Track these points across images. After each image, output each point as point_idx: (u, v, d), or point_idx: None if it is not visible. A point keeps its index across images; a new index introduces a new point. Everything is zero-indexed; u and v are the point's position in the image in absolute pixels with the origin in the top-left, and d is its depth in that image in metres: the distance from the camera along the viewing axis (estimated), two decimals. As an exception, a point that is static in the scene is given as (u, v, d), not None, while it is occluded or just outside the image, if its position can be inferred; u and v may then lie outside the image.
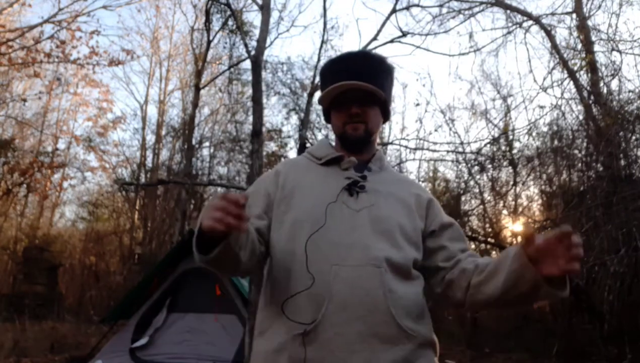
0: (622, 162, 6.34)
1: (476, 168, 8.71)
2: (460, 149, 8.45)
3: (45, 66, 12.06)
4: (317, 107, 8.13)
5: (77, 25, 10.75)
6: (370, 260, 1.08)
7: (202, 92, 11.86)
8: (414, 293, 1.13)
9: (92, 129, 15.88)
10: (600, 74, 7.39)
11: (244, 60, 9.86)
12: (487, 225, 8.88)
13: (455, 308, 1.12)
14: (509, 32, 9.13)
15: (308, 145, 6.39)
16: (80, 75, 15.01)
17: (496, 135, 8.44)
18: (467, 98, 20.86)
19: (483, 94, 17.29)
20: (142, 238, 12.99)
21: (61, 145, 15.77)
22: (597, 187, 6.22)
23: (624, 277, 5.42)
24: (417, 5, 7.48)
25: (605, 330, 5.78)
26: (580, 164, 7.40)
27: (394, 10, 6.58)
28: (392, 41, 6.61)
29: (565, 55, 7.97)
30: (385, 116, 1.32)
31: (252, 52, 5.23)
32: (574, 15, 8.31)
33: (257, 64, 5.06)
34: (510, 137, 8.08)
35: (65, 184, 15.71)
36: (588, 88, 7.56)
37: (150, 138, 15.18)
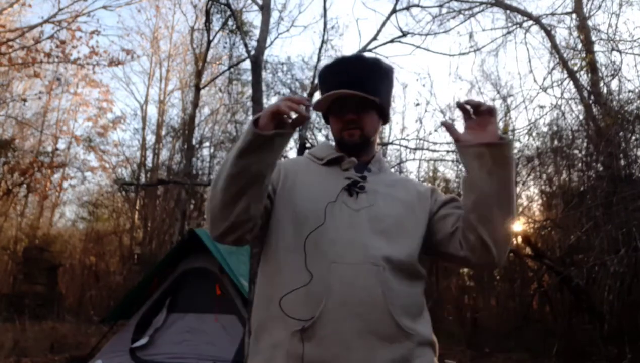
0: (622, 162, 6.34)
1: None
2: (460, 149, 8.41)
3: (45, 66, 12.07)
4: (317, 107, 8.08)
5: (77, 25, 10.75)
6: (369, 258, 1.08)
7: (202, 92, 11.86)
8: (413, 293, 1.13)
9: (92, 129, 15.91)
10: (600, 74, 7.39)
11: (244, 60, 9.87)
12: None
13: (488, 256, 1.10)
14: (509, 32, 9.14)
15: (308, 145, 6.39)
16: (80, 75, 15.03)
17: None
18: (467, 98, 20.87)
19: (483, 94, 17.26)
20: (142, 238, 12.99)
21: (61, 145, 15.80)
22: (597, 187, 6.22)
23: (624, 277, 5.42)
24: (417, 5, 7.49)
25: (605, 330, 5.78)
26: (580, 164, 7.40)
27: (394, 10, 6.59)
28: (392, 41, 6.62)
29: (565, 55, 7.97)
30: (384, 118, 1.32)
31: (252, 52, 5.23)
32: (574, 15, 8.31)
33: (257, 64, 5.06)
34: (510, 137, 8.06)
35: (65, 184, 15.74)
36: (588, 88, 7.56)
37: (150, 138, 15.20)
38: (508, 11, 8.93)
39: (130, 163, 14.69)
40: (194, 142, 11.81)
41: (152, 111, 24.79)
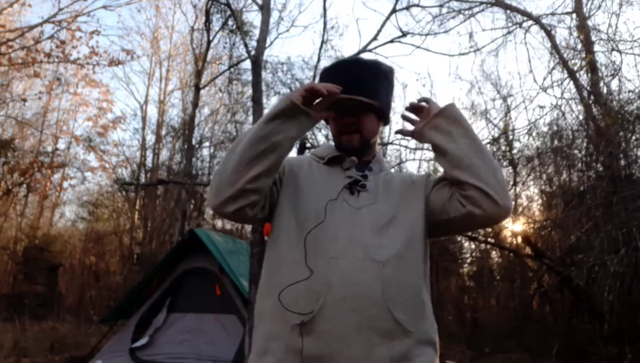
0: (622, 162, 6.34)
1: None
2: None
3: (45, 66, 12.05)
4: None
5: (77, 25, 10.72)
6: (368, 254, 1.09)
7: (202, 92, 11.85)
8: (414, 290, 1.13)
9: (92, 129, 15.89)
10: (600, 74, 7.39)
11: (244, 60, 9.85)
12: (487, 225, 8.86)
13: (490, 202, 1.11)
14: (509, 32, 9.13)
15: (308, 145, 6.39)
16: (80, 75, 15.02)
17: (496, 135, 8.43)
18: (467, 98, 20.87)
19: (483, 94, 17.34)
20: (142, 238, 12.99)
21: (61, 145, 15.79)
22: (597, 187, 6.22)
23: (624, 277, 5.42)
24: (417, 5, 7.47)
25: (605, 330, 5.78)
26: (580, 164, 7.41)
27: (394, 10, 6.58)
28: (392, 41, 6.60)
29: (565, 55, 7.96)
30: (384, 120, 1.33)
31: (252, 52, 5.23)
32: (574, 15, 8.31)
33: (257, 64, 5.06)
34: (510, 137, 8.08)
35: (65, 184, 15.73)
36: (588, 88, 7.56)
37: (150, 138, 15.20)
38: (508, 11, 8.92)
39: (130, 163, 14.71)
40: (194, 142, 11.81)
41: (152, 111, 24.87)
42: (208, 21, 8.28)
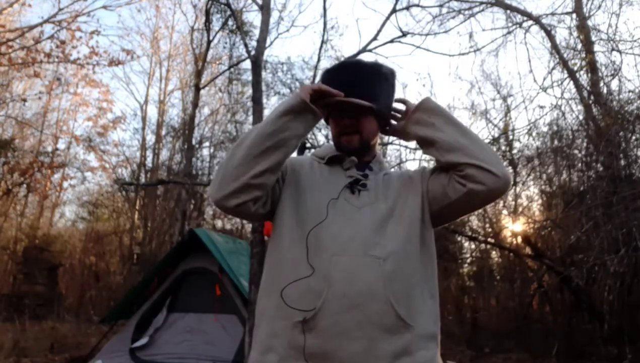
0: (622, 162, 6.34)
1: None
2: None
3: (45, 66, 12.06)
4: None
5: (77, 25, 10.73)
6: (369, 251, 1.10)
7: (202, 92, 11.85)
8: (415, 285, 1.13)
9: (92, 129, 15.89)
10: (600, 74, 7.39)
11: (244, 60, 9.85)
12: (487, 225, 8.87)
13: (490, 175, 1.13)
14: (509, 32, 9.12)
15: (308, 145, 6.39)
16: (80, 75, 15.02)
17: (496, 135, 8.42)
18: (467, 98, 20.89)
19: (483, 94, 17.32)
20: (142, 238, 12.99)
21: (61, 145, 15.79)
22: (597, 187, 6.22)
23: (624, 277, 5.42)
24: (417, 5, 7.46)
25: (605, 330, 5.78)
26: (580, 164, 7.40)
27: (394, 10, 6.57)
28: (392, 41, 6.60)
29: (565, 55, 7.96)
30: (385, 122, 1.33)
31: (252, 52, 5.23)
32: (574, 15, 8.30)
33: (257, 64, 5.06)
34: (510, 137, 8.06)
35: (65, 184, 15.73)
36: (588, 88, 7.55)
37: (150, 138, 15.19)
38: (508, 11, 8.92)
39: (130, 163, 14.70)
40: (194, 142, 11.81)
41: (152, 111, 24.86)
42: (208, 21, 8.28)
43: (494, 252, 9.76)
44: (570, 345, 6.40)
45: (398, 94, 1.36)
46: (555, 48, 8.11)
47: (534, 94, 13.10)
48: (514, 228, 7.92)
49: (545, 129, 8.15)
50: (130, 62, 15.50)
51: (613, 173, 6.08)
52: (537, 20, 8.46)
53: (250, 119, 6.55)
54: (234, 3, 8.47)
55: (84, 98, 16.23)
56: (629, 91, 6.81)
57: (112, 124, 16.01)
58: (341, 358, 1.04)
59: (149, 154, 15.12)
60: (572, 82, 7.72)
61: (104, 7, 10.92)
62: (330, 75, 1.29)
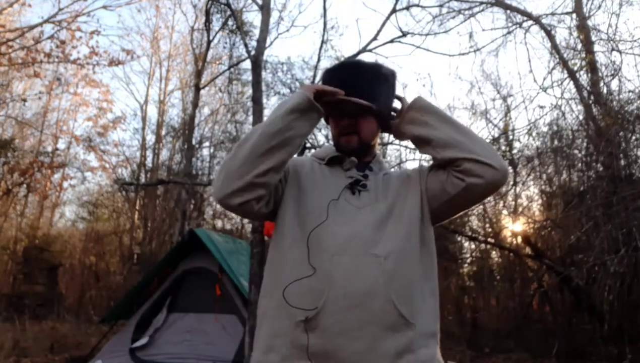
0: (622, 162, 6.34)
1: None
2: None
3: (45, 66, 12.05)
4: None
5: (77, 25, 10.73)
6: (369, 250, 1.10)
7: (202, 92, 11.85)
8: (415, 283, 1.13)
9: (92, 129, 15.89)
10: (600, 74, 7.39)
11: (244, 60, 9.85)
12: (487, 225, 8.87)
13: (487, 168, 1.14)
14: (509, 32, 9.11)
15: (308, 145, 6.39)
16: (80, 75, 15.02)
17: (496, 135, 8.42)
18: (467, 98, 20.90)
19: (483, 94, 17.35)
20: (142, 238, 12.98)
21: (61, 145, 15.79)
22: (597, 187, 6.21)
23: (624, 277, 5.42)
24: (417, 5, 7.46)
25: (605, 330, 5.78)
26: (580, 164, 7.40)
27: (394, 10, 6.57)
28: (392, 41, 6.59)
29: (565, 55, 7.96)
30: (385, 122, 1.33)
31: (252, 52, 5.23)
32: (574, 15, 8.30)
33: (257, 64, 5.06)
34: (510, 137, 8.06)
35: (65, 184, 15.72)
36: (588, 88, 7.55)
37: (150, 138, 15.19)
38: (508, 11, 8.91)
39: (130, 163, 14.70)
40: (194, 142, 11.81)
41: (152, 111, 24.87)
42: (208, 21, 8.27)
43: (494, 252, 9.76)
44: (570, 345, 6.40)
45: (398, 93, 1.36)
46: (555, 48, 8.11)
47: (534, 94, 13.12)
48: (514, 228, 7.92)
49: (545, 129, 8.16)
50: (130, 62, 15.53)
51: (613, 173, 6.08)
52: (537, 20, 8.46)
53: (250, 119, 6.55)
54: (234, 3, 8.48)
55: (84, 98, 16.25)
56: (629, 91, 6.83)
57: (112, 124, 16.03)
58: (343, 357, 1.04)
59: (149, 154, 15.14)
60: (572, 82, 7.72)
61: (104, 7, 10.93)
62: (331, 75, 1.29)
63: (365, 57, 5.90)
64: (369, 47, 6.43)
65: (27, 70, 11.51)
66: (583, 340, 6.53)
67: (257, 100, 4.93)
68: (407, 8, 7.21)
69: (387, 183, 1.25)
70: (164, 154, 14.79)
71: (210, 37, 9.18)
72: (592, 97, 7.38)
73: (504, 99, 9.62)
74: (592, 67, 7.38)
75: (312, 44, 34.71)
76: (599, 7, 7.91)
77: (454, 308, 9.87)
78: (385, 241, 1.12)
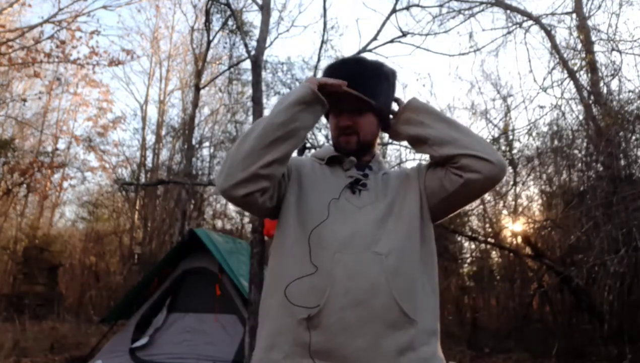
0: (622, 162, 6.34)
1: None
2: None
3: (45, 66, 12.06)
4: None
5: (77, 25, 10.74)
6: (370, 247, 1.11)
7: (202, 92, 11.85)
8: (416, 280, 1.14)
9: (92, 129, 15.88)
10: (600, 74, 7.39)
11: (244, 60, 9.85)
12: (487, 225, 8.87)
13: (485, 163, 1.14)
14: (509, 32, 9.12)
15: (308, 145, 6.39)
16: (80, 75, 15.02)
17: (496, 135, 8.42)
18: (467, 98, 20.90)
19: (483, 94, 17.35)
20: (142, 238, 12.98)
21: (61, 145, 15.78)
22: (597, 187, 6.22)
23: (624, 277, 5.42)
24: (417, 5, 7.45)
25: (605, 330, 5.78)
26: (580, 164, 7.40)
27: (394, 10, 6.57)
28: (392, 41, 6.59)
29: (565, 55, 7.96)
30: (384, 122, 1.33)
31: (252, 52, 5.22)
32: (574, 15, 8.30)
33: (257, 64, 5.06)
34: (510, 137, 8.06)
35: (65, 184, 15.71)
36: (588, 88, 7.55)
37: (150, 138, 15.18)
38: (508, 11, 8.91)
39: (130, 163, 14.69)
40: (194, 142, 11.81)
41: (152, 111, 24.88)
42: (208, 21, 8.27)
43: (494, 252, 9.77)
44: (570, 345, 6.40)
45: (398, 94, 1.36)
46: (555, 48, 8.11)
47: (534, 94, 13.12)
48: (514, 228, 7.92)
49: (545, 129, 8.16)
50: (130, 62, 15.52)
51: (613, 173, 6.08)
52: (537, 20, 8.46)
53: (250, 119, 6.56)
54: (234, 3, 8.48)
55: (84, 98, 16.25)
56: (629, 91, 6.83)
57: (112, 124, 16.02)
58: (346, 354, 1.05)
59: (149, 154, 15.14)
60: (572, 82, 7.72)
61: (104, 7, 10.93)
62: (332, 70, 1.30)
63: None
64: (369, 47, 6.42)
65: (27, 70, 11.51)
66: (583, 340, 6.53)
67: (257, 100, 4.93)
68: (407, 8, 7.21)
69: (386, 183, 1.26)
70: (164, 154, 14.81)
71: (210, 37, 9.18)
72: (592, 97, 7.38)
73: (504, 99, 9.63)
74: (592, 67, 7.38)
75: (312, 44, 34.72)
76: (599, 7, 7.92)
77: (454, 308, 9.88)
78: (386, 239, 1.13)
